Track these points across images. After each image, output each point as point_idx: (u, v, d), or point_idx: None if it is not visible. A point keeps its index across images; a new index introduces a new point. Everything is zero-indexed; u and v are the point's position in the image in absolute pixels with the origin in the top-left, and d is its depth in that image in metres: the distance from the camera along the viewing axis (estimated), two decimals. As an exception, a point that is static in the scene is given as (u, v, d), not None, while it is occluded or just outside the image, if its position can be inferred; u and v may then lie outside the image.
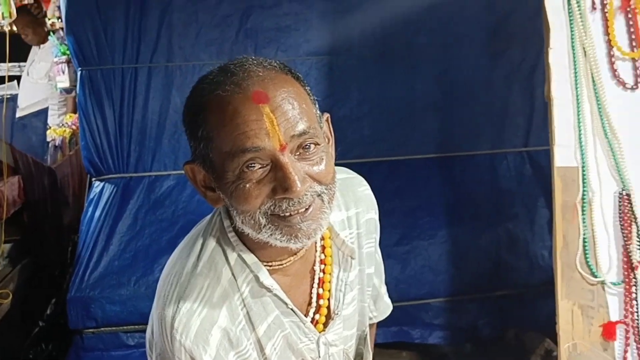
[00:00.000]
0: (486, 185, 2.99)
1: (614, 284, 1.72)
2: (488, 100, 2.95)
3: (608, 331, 1.70)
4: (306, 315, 1.17)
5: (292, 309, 1.13)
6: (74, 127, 4.05)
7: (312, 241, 1.05)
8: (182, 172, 2.83)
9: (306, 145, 1.00)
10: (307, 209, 1.01)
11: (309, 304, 1.17)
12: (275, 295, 1.11)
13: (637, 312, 1.71)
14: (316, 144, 1.01)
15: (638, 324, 1.71)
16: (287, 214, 1.00)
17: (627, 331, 1.72)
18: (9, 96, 4.20)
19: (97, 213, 2.76)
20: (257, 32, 2.75)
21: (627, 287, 1.71)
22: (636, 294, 1.71)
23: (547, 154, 1.78)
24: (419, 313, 2.95)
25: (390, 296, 3.22)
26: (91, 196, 2.82)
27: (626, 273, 1.71)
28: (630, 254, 1.71)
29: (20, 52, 4.22)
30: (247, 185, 0.99)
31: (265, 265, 1.10)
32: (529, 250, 2.89)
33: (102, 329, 2.70)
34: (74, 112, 4.08)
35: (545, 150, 1.85)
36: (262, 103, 0.97)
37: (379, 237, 1.32)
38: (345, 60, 2.86)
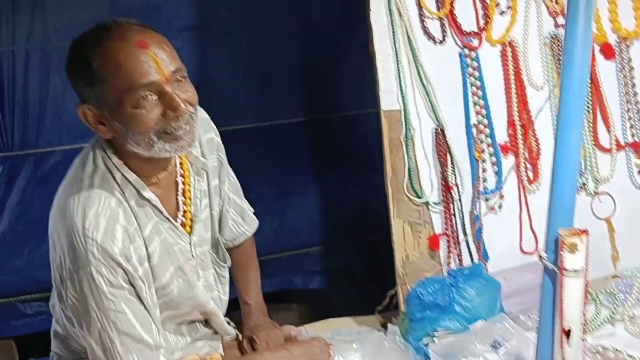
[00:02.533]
0: (351, 143, 3.32)
1: (435, 203, 2.09)
2: (348, 67, 3.25)
3: (433, 242, 2.08)
4: (175, 220, 1.48)
5: (167, 217, 1.45)
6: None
7: (191, 148, 1.40)
8: (68, 147, 2.95)
9: (179, 79, 1.33)
10: (187, 125, 1.34)
11: (177, 209, 1.49)
12: (154, 205, 1.42)
13: (455, 225, 2.09)
14: (185, 77, 1.35)
15: (457, 234, 2.10)
16: (175, 131, 1.32)
17: (448, 241, 2.10)
18: None
19: (-14, 192, 2.87)
20: (128, 12, 2.89)
21: (446, 205, 2.10)
22: (453, 210, 2.09)
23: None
24: (299, 262, 3.27)
25: (272, 248, 3.50)
26: (-21, 177, 2.91)
27: (444, 194, 2.09)
28: (446, 178, 2.08)
29: None
30: (144, 112, 1.30)
31: (143, 181, 1.41)
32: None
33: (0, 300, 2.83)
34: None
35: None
36: (145, 48, 1.29)
37: (224, 156, 1.67)
38: (215, 34, 3.07)
